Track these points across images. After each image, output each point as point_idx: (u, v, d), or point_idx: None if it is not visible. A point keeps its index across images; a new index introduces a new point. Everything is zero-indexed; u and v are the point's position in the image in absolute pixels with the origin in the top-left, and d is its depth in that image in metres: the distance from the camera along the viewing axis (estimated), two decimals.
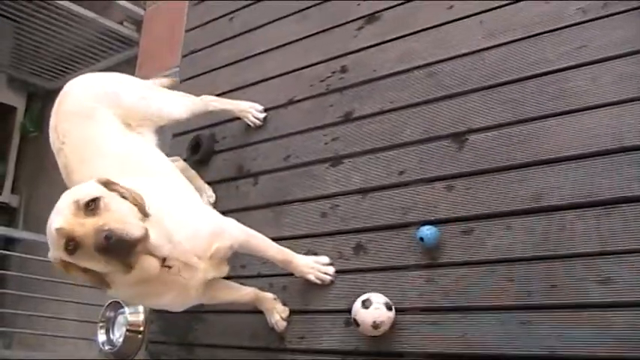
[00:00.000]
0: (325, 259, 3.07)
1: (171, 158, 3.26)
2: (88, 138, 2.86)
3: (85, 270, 2.23)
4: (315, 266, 3.06)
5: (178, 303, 2.72)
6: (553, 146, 2.53)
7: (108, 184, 2.29)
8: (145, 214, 2.28)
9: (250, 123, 3.69)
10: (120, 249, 2.11)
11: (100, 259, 2.13)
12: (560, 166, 2.49)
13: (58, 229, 2.16)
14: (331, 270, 3.04)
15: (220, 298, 3.02)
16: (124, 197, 2.27)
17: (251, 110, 3.69)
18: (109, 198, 2.22)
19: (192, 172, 3.72)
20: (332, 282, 3.02)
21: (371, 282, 2.89)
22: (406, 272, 2.80)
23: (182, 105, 3.34)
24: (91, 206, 2.16)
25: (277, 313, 3.14)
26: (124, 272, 2.21)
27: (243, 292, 3.13)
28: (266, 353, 3.19)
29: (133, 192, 2.32)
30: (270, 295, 3.18)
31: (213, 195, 3.74)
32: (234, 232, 2.81)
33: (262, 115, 3.68)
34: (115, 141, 2.89)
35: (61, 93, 3.03)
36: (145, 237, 2.17)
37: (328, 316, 3.00)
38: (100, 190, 2.24)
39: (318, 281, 3.04)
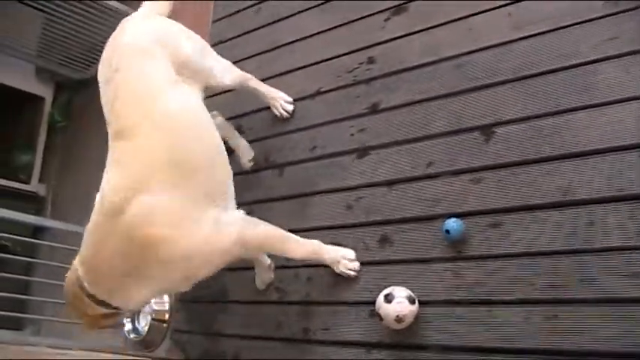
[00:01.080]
0: (351, 255, 3.06)
1: (211, 113, 3.20)
2: (142, 74, 2.85)
3: None
4: (342, 261, 3.05)
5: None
6: (583, 139, 2.50)
7: None
8: None
9: (277, 113, 3.68)
10: None
11: None
12: (590, 160, 2.45)
13: None
14: (356, 265, 3.04)
15: None
16: None
17: (280, 100, 3.68)
18: None
19: (231, 130, 3.75)
20: (355, 277, 3.03)
21: (396, 274, 2.89)
22: (432, 265, 2.79)
23: (230, 71, 3.42)
24: None
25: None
26: None
27: None
28: (290, 344, 3.19)
29: None
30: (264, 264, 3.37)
31: (252, 153, 3.75)
32: (237, 248, 2.79)
33: (290, 108, 3.67)
34: (164, 88, 2.86)
35: (121, 26, 3.04)
36: None
37: (353, 308, 3.00)
38: None
39: (343, 274, 3.05)
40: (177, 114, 2.82)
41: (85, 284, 2.54)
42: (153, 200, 2.55)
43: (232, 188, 2.99)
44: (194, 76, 3.05)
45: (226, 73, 3.36)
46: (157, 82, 2.86)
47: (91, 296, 2.54)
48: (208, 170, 2.85)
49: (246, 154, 3.76)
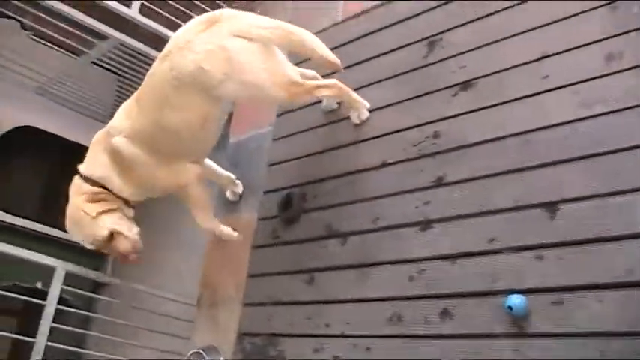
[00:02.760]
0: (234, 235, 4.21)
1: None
2: (164, 97, 3.46)
3: None
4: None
5: None
6: None
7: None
8: None
9: (354, 118, 3.89)
10: None
11: None
12: None
13: None
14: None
15: None
16: None
17: (359, 112, 3.87)
18: None
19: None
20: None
21: (456, 349, 2.87)
22: (493, 341, 2.76)
23: (277, 100, 3.84)
24: None
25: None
26: None
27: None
28: None
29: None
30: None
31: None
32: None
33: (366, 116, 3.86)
34: (176, 117, 3.50)
35: (191, 35, 3.42)
36: None
37: None
38: None
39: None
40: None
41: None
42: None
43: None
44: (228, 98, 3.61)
45: (271, 101, 3.99)
46: (172, 109, 3.48)
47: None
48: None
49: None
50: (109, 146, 3.60)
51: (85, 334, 5.89)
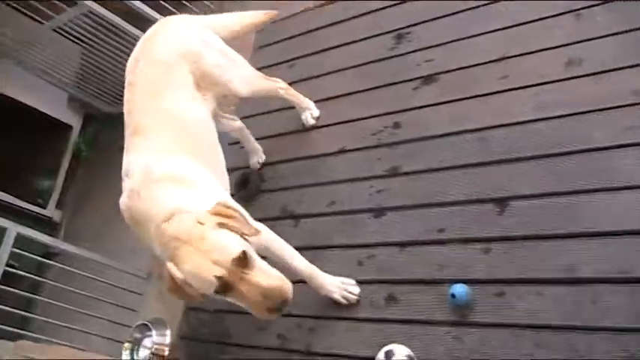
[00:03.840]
0: (352, 281, 3.16)
1: (231, 117, 3.81)
2: (159, 88, 3.12)
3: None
4: (341, 286, 3.14)
5: None
6: (592, 220, 2.57)
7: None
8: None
9: (304, 121, 3.95)
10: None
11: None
12: (598, 241, 2.52)
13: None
14: (357, 290, 3.13)
15: None
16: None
17: (311, 111, 3.93)
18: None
19: (246, 134, 4.03)
20: (358, 302, 3.12)
21: (398, 333, 2.92)
22: (434, 327, 2.83)
23: (250, 84, 3.56)
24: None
25: None
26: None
27: None
28: None
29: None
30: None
31: (263, 156, 4.09)
32: None
33: (313, 122, 3.93)
34: (180, 101, 3.14)
35: (153, 32, 3.32)
36: None
37: None
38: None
39: (344, 301, 3.12)
40: (184, 120, 3.12)
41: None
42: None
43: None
44: (210, 87, 3.32)
45: (246, 85, 3.53)
46: (171, 95, 3.13)
47: None
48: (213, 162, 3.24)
49: (257, 155, 4.09)
50: (153, 182, 2.82)
51: (33, 301, 5.86)
